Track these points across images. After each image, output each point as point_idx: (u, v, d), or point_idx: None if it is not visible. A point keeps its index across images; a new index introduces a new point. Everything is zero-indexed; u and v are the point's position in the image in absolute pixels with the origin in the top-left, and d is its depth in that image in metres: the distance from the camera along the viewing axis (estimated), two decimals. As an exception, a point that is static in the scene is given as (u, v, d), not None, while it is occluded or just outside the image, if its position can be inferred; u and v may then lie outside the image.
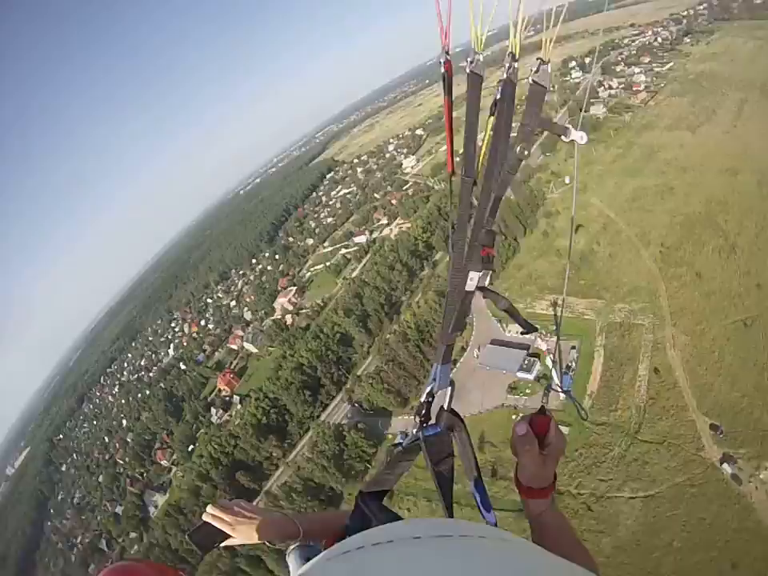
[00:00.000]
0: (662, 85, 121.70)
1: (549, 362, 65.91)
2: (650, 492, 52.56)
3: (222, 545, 3.01)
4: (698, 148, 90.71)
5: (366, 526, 2.44)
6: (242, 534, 2.93)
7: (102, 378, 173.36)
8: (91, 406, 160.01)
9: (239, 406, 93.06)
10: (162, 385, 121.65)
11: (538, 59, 2.52)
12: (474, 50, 2.50)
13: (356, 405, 78.10)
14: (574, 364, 65.03)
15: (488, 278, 2.74)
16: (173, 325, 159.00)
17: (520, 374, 67.61)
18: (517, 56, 2.51)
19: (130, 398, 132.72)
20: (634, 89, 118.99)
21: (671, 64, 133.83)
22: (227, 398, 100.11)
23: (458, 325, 2.80)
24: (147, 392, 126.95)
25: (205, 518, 2.96)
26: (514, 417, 62.81)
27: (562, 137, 2.67)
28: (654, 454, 54.69)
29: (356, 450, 68.70)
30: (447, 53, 2.57)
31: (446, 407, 2.87)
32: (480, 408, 66.63)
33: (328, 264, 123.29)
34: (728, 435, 53.11)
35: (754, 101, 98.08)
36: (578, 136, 2.65)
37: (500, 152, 2.60)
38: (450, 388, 2.90)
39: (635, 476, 54.02)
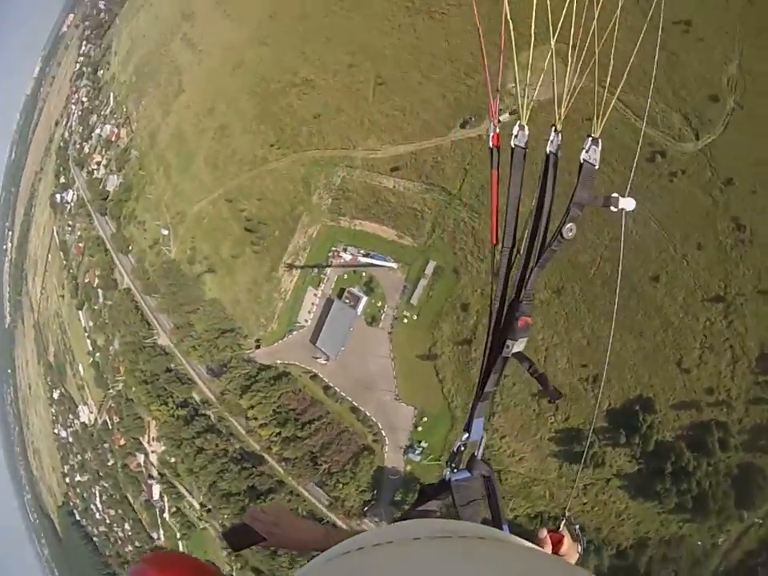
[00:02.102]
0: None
1: (367, 259, 58.80)
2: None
3: (255, 546, 2.95)
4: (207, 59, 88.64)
5: None
6: (276, 538, 2.91)
7: None
8: None
9: None
10: None
11: (588, 136, 2.56)
12: (519, 124, 2.59)
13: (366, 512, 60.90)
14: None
15: (524, 343, 2.86)
16: None
17: (360, 309, 59.71)
18: (559, 129, 2.59)
19: None
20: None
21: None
22: None
23: (491, 384, 3.07)
24: None
25: (244, 519, 2.93)
26: (405, 320, 57.38)
27: (612, 207, 2.70)
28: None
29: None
30: (495, 126, 2.68)
31: (478, 456, 3.07)
32: (387, 355, 58.38)
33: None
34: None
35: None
36: (627, 203, 2.68)
37: (541, 226, 2.71)
38: (482, 439, 3.11)
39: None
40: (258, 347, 68.07)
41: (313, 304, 63.27)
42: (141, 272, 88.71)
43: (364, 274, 59.11)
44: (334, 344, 60.86)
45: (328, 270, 61.45)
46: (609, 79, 2.55)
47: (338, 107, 61.70)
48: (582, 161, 2.59)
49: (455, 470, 3.04)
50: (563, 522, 3.49)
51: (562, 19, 2.56)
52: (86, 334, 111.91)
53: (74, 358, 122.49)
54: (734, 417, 45.83)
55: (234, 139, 72.34)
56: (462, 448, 3.11)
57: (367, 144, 59.11)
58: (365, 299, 58.92)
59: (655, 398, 47.65)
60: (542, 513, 49.97)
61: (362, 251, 58.72)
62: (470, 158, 54.57)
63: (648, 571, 47.24)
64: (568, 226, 2.63)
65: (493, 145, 2.70)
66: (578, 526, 3.59)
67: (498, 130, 2.67)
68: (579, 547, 3.36)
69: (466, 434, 3.08)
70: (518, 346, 2.89)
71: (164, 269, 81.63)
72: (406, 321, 56.70)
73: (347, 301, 59.98)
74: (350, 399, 60.96)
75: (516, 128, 2.63)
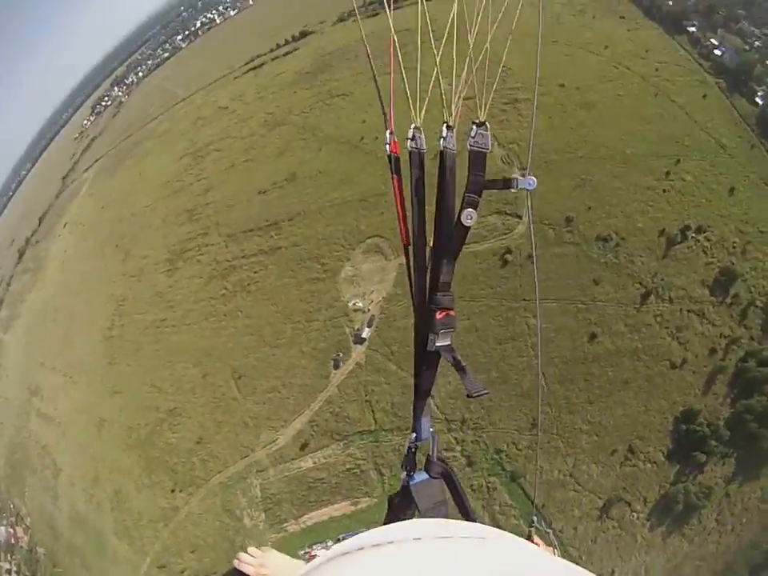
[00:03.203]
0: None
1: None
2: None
3: None
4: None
5: None
6: None
7: None
8: None
9: None
10: None
11: (473, 123, 2.43)
12: (413, 126, 2.46)
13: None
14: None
15: (449, 336, 2.64)
16: None
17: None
18: (452, 124, 2.46)
19: None
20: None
21: None
22: None
23: (426, 381, 2.77)
24: None
25: (234, 564, 2.87)
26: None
27: (511, 189, 2.60)
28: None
29: None
30: (392, 132, 2.51)
31: (432, 457, 2.81)
32: None
33: None
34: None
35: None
36: (527, 182, 2.54)
37: (445, 220, 2.55)
38: (433, 439, 2.86)
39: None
40: None
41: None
42: None
43: (347, 559, 48.77)
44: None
45: (306, 582, 49.85)
46: (488, 63, 2.48)
47: (215, 421, 54.12)
48: (469, 147, 2.48)
49: (411, 474, 2.77)
50: (533, 531, 3.36)
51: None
52: None
53: None
54: (744, 341, 46.19)
55: (133, 501, 60.93)
56: (413, 449, 2.85)
57: (263, 440, 51.20)
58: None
59: (687, 406, 44.85)
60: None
61: (329, 542, 48.62)
62: (363, 389, 49.31)
63: None
64: (466, 212, 2.52)
65: (391, 152, 2.55)
66: (550, 531, 3.38)
67: (395, 138, 2.49)
68: (556, 551, 3.20)
69: (414, 435, 2.86)
70: (442, 339, 2.63)
71: None
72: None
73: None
74: None
75: (411, 131, 2.47)
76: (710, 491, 42.67)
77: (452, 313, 2.61)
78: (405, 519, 2.65)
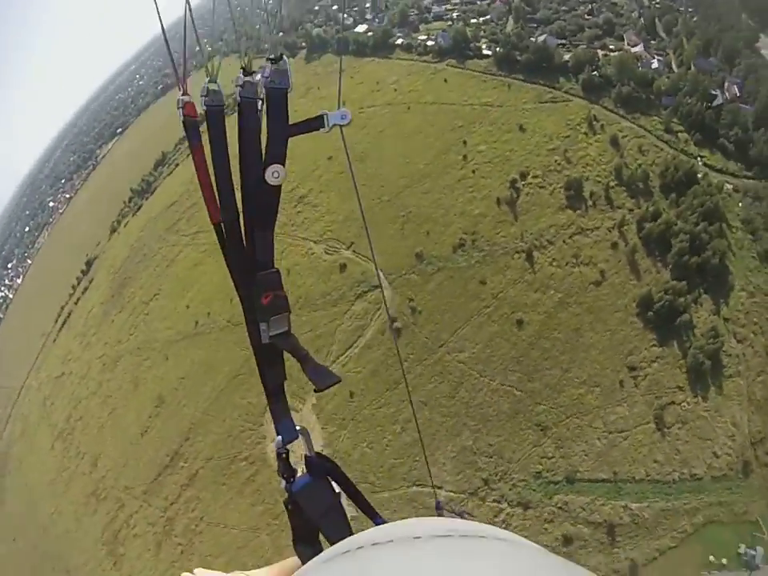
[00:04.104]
0: None
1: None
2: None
3: None
4: None
5: None
6: None
7: None
8: None
9: None
10: None
11: (267, 59, 2.00)
12: (207, 80, 2.01)
13: None
14: None
15: (285, 320, 2.16)
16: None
17: None
18: (249, 69, 2.04)
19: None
20: None
21: None
22: None
23: (273, 377, 2.32)
24: None
25: None
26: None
27: (322, 129, 2.10)
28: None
29: None
30: (186, 92, 2.00)
31: (308, 454, 2.37)
32: None
33: None
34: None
35: None
36: (339, 116, 2.07)
37: (251, 183, 2.05)
38: (302, 436, 2.35)
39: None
40: None
41: None
42: None
43: None
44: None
45: None
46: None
47: None
48: (264, 87, 2.00)
49: (292, 480, 2.27)
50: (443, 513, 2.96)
51: None
52: None
53: None
54: (629, 217, 49.52)
55: None
56: (284, 454, 2.30)
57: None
58: None
59: (636, 299, 46.27)
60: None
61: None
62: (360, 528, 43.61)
63: None
64: (271, 170, 2.02)
65: (185, 115, 2.02)
66: (463, 513, 3.25)
67: (189, 98, 2.00)
68: None
69: (279, 438, 2.35)
70: (276, 326, 2.13)
71: None
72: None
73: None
74: None
75: (204, 86, 2.02)
76: (714, 329, 43.82)
77: (281, 293, 2.16)
78: (307, 526, 2.25)
